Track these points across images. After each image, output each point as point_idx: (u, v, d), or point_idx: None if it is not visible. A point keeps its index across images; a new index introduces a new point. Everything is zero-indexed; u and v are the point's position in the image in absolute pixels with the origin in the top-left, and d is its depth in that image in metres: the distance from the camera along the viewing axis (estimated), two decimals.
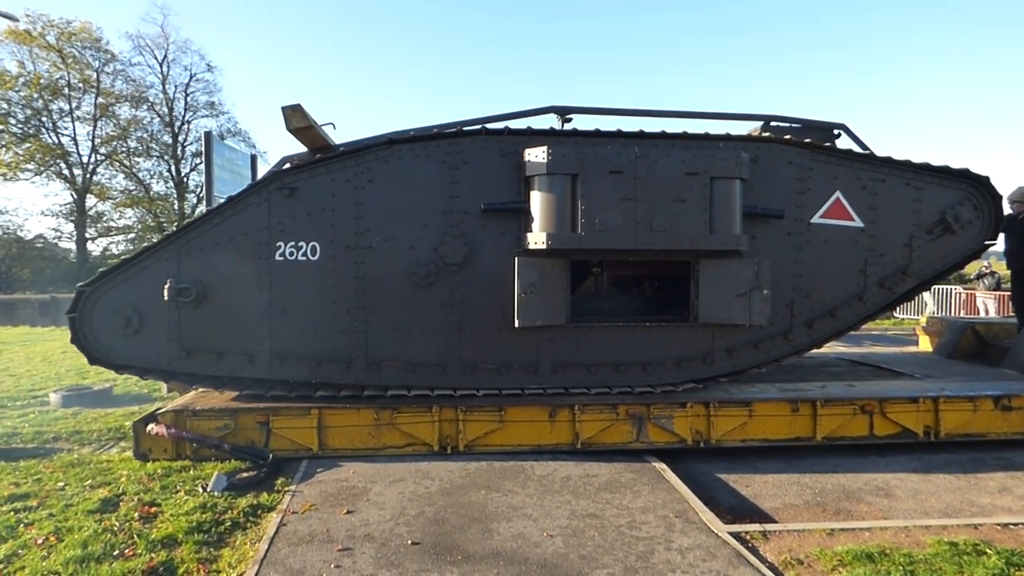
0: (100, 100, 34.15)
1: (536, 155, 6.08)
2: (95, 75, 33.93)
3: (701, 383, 6.68)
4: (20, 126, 32.68)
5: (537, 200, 6.13)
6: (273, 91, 79.93)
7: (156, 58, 35.72)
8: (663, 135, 6.41)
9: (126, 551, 4.18)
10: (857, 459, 6.40)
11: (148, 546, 4.22)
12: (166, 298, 5.99)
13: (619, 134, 6.38)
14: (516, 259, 6.14)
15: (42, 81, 32.40)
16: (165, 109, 36.61)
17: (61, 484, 5.46)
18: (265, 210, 6.17)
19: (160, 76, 36.01)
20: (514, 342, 6.46)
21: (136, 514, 4.75)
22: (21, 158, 32.61)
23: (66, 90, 33.29)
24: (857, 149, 7.07)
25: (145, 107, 36.13)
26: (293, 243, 6.20)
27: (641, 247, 6.11)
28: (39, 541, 4.31)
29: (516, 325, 6.17)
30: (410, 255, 6.30)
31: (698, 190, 6.11)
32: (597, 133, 6.40)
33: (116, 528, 4.51)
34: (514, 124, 6.57)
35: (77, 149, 34.34)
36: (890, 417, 6.53)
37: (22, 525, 4.58)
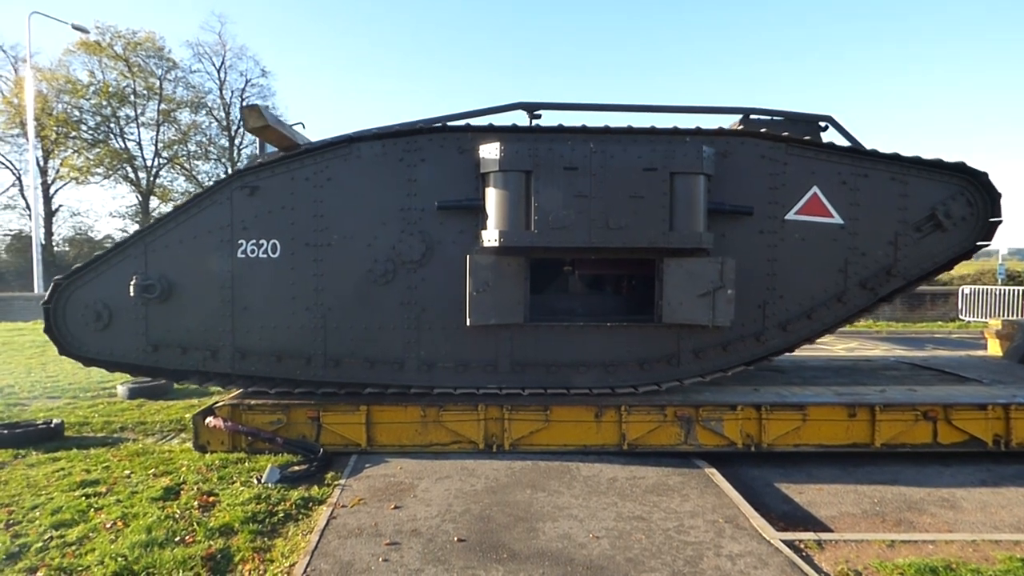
0: (163, 106, 35.71)
1: (490, 152, 6.03)
2: (158, 83, 35.50)
3: (680, 383, 6.51)
4: (91, 132, 34.49)
5: (491, 197, 6.07)
6: (324, 93, 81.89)
7: (214, 65, 37.14)
8: (620, 130, 6.26)
9: (186, 538, 4.35)
10: (919, 468, 6.14)
11: (207, 534, 4.39)
12: (132, 294, 6.20)
13: (575, 129, 6.25)
14: (468, 257, 6.12)
15: (110, 89, 34.09)
16: (222, 114, 37.98)
17: (127, 472, 5.74)
18: (227, 208, 6.31)
19: (218, 82, 37.43)
20: (472, 340, 6.42)
21: (196, 503, 4.95)
22: (92, 162, 34.43)
23: (132, 97, 34.92)
24: (844, 143, 6.72)
25: (204, 112, 37.61)
26: (255, 241, 6.32)
27: (596, 245, 5.98)
28: (108, 525, 4.54)
29: (468, 323, 6.15)
30: (368, 253, 6.34)
31: (657, 186, 5.94)
32: (552, 129, 6.31)
33: (177, 515, 4.71)
34: (481, 121, 6.50)
35: (142, 153, 36.05)
36: (956, 424, 6.23)
37: (92, 510, 4.84)
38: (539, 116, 6.66)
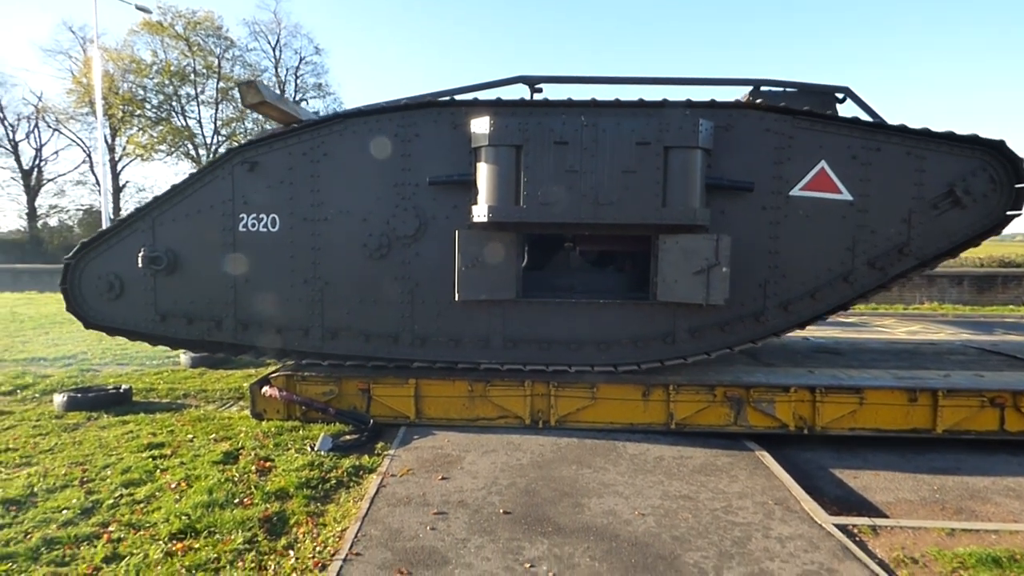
0: (221, 84, 36.64)
1: (480, 126, 5.94)
2: (217, 61, 36.41)
3: (664, 363, 6.33)
4: (154, 110, 35.79)
5: (482, 172, 5.98)
6: (378, 70, 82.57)
7: (269, 43, 37.81)
8: (613, 103, 6.06)
9: (245, 500, 4.55)
10: (984, 456, 5.88)
11: (264, 497, 4.58)
12: (140, 266, 6.45)
13: (566, 103, 6.10)
14: (457, 232, 6.07)
15: (172, 68, 35.19)
16: (277, 91, 38.70)
17: (190, 436, 6.02)
18: (229, 183, 6.46)
19: (273, 60, 38.12)
20: (464, 316, 6.41)
21: (253, 467, 5.16)
22: (155, 140, 35.78)
23: (192, 76, 35.97)
24: (864, 115, 6.33)
25: None
26: (255, 215, 6.46)
27: (586, 221, 5.85)
28: (172, 485, 4.78)
29: (456, 299, 6.14)
30: (363, 227, 6.39)
31: (650, 160, 5.74)
32: (543, 103, 6.17)
33: (236, 479, 4.92)
34: (486, 95, 6.40)
35: (202, 131, 37.16)
36: None
37: (158, 470, 5.11)
38: (540, 90, 6.56)
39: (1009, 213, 6.20)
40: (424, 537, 4.01)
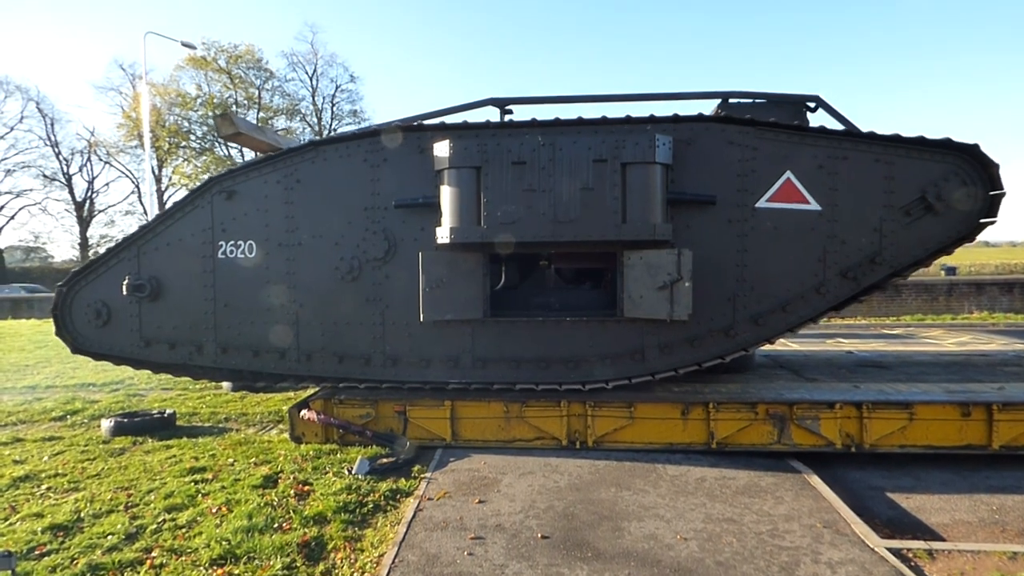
0: (261, 115, 37.90)
1: (441, 149, 6.01)
2: (257, 92, 37.76)
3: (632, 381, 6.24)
4: (198, 142, 37.22)
5: (445, 194, 6.06)
6: (410, 92, 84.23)
7: (307, 73, 39.05)
8: (570, 122, 6.09)
9: (283, 525, 4.59)
10: None
11: (302, 522, 4.61)
12: (124, 293, 6.66)
13: (523, 124, 6.16)
14: (420, 254, 6.15)
15: (215, 100, 36.59)
16: (315, 119, 39.88)
17: (231, 460, 6.12)
18: (208, 212, 6.67)
19: (310, 89, 39.33)
20: (434, 336, 6.44)
21: (292, 491, 5.20)
22: (199, 169, 37.20)
23: (234, 107, 37.31)
24: (836, 124, 6.20)
25: (298, 119, 39.68)
26: (233, 242, 6.66)
27: (546, 239, 5.86)
28: (214, 510, 4.85)
29: (420, 320, 6.19)
30: (336, 251, 6.51)
31: (608, 178, 5.76)
32: (501, 124, 6.24)
33: (275, 503, 4.97)
34: (451, 119, 6.50)
35: (243, 159, 38.36)
36: None
37: (200, 495, 5.19)
38: (511, 111, 6.65)
39: (983, 221, 5.97)
40: (461, 563, 3.97)
